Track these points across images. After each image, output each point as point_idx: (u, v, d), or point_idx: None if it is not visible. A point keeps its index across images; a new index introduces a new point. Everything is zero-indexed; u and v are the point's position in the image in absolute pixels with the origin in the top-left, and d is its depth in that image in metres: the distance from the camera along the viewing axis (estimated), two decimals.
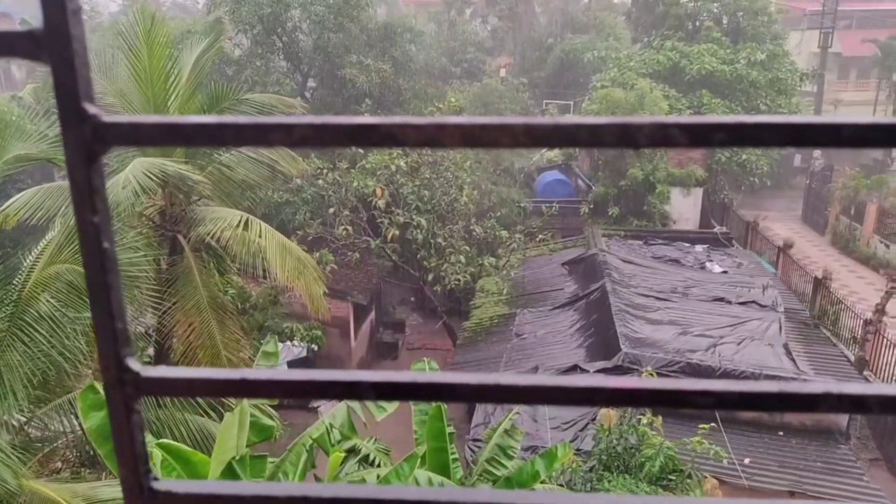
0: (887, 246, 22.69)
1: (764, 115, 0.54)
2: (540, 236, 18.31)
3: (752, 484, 9.58)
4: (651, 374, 10.60)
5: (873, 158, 32.52)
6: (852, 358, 14.22)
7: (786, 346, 12.80)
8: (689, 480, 8.65)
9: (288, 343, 14.55)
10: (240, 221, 9.85)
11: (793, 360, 11.97)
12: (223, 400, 8.18)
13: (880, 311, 15.59)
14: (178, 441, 7.46)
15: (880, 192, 24.77)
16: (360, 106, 18.53)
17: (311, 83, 22.94)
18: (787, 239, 20.99)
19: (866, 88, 38.96)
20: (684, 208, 21.58)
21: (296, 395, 0.62)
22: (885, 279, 18.58)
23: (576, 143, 0.56)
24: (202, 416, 8.69)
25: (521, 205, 20.48)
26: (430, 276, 16.27)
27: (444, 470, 7.42)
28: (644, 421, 9.51)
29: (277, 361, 8.47)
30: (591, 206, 20.90)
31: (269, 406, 7.93)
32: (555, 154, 24.71)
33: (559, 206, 19.58)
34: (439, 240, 16.09)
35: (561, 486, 8.94)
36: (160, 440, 6.62)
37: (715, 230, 20.03)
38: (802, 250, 23.23)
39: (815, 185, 27.93)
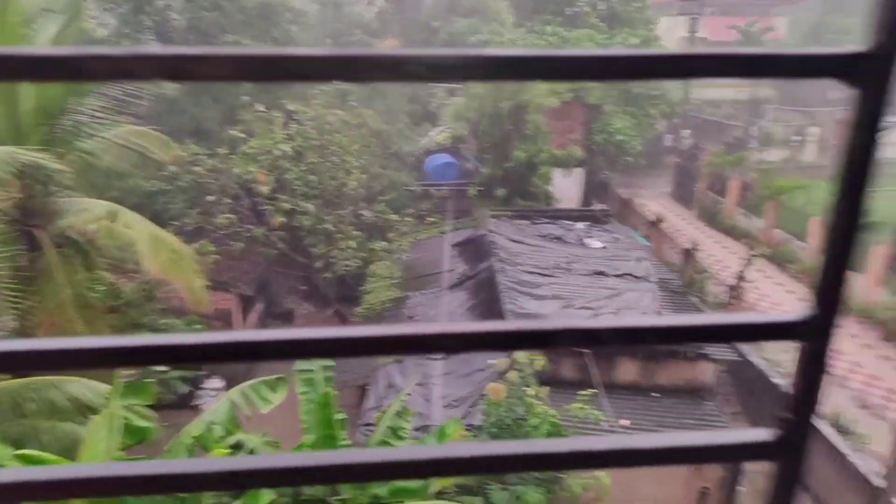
0: (748, 218, 24.72)
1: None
2: (430, 219, 18.47)
3: None
4: None
5: (735, 137, 35.18)
6: None
7: (658, 314, 13.70)
8: None
9: None
10: (107, 213, 9.25)
11: None
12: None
13: (741, 277, 17.03)
14: (45, 450, 6.97)
15: (741, 168, 26.92)
16: (238, 89, 17.83)
17: None
18: (658, 214, 22.37)
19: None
20: (566, 188, 22.47)
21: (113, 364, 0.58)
22: (746, 248, 20.26)
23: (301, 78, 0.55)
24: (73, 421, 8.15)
25: (411, 188, 20.55)
26: (320, 264, 16.03)
27: None
28: (530, 392, 9.90)
29: None
30: (480, 188, 21.31)
31: (146, 406, 7.56)
32: (443, 138, 24.92)
33: (449, 188, 19.81)
34: (328, 226, 15.87)
35: None
36: (21, 451, 6.16)
37: (594, 208, 21.00)
38: (673, 224, 24.86)
39: (684, 163, 29.91)
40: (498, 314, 13.54)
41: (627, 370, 12.34)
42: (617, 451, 0.61)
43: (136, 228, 9.49)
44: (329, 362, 8.27)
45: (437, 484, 8.12)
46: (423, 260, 18.77)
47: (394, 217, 16.96)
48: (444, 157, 24.11)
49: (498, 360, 11.10)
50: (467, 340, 0.62)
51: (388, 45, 32.08)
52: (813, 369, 0.60)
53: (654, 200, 28.62)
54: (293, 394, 8.03)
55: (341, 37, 30.12)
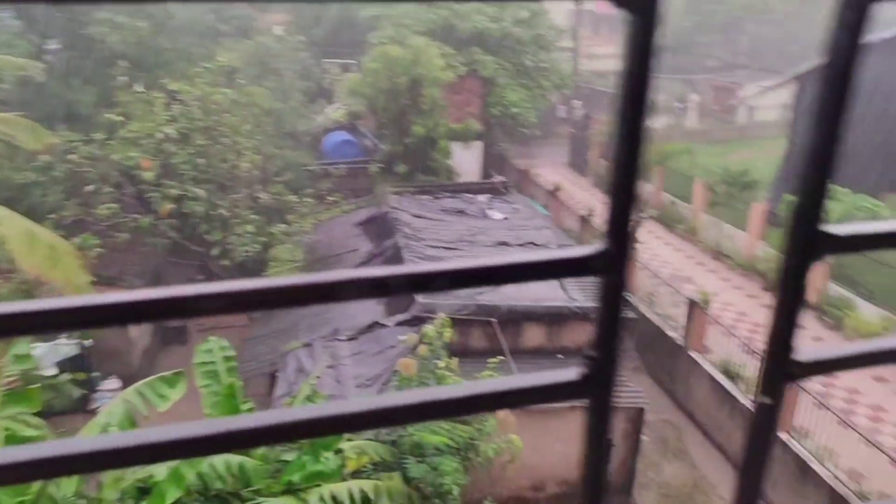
0: None
1: None
2: (331, 198, 18.10)
3: (539, 406, 10.53)
4: (445, 321, 11.07)
5: None
6: None
7: (560, 280, 14.13)
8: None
9: (54, 343, 12.92)
10: None
11: (564, 289, 13.25)
12: None
13: (633, 238, 17.82)
14: None
15: None
16: (113, 69, 16.60)
17: (52, 45, 20.05)
18: (556, 183, 23.03)
19: (615, 43, 43.55)
20: (466, 161, 22.64)
21: None
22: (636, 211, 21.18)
23: None
24: None
25: (309, 168, 20.03)
26: (217, 251, 15.37)
27: None
28: (441, 364, 9.96)
29: (34, 364, 7.47)
30: (380, 165, 21.09)
31: (33, 414, 6.99)
32: (340, 115, 24.42)
33: (348, 166, 19.45)
34: (222, 211, 15.20)
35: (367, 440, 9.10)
36: None
37: (494, 180, 21.30)
38: (570, 192, 25.68)
39: (577, 133, 30.86)
40: None
41: (533, 335, 12.68)
42: (445, 400, 0.60)
43: (7, 224, 8.69)
44: (230, 353, 7.97)
45: (352, 464, 8.05)
46: (327, 241, 18.41)
47: (293, 198, 16.47)
48: (342, 135, 23.66)
49: (408, 336, 11.09)
50: (361, 286, 0.60)
51: (276, 20, 30.93)
52: (612, 304, 0.61)
53: (551, 170, 29.40)
54: (194, 388, 7.68)
55: (224, 11, 28.63)
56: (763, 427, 0.65)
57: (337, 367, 12.07)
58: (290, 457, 7.57)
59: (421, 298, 12.68)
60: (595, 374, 0.61)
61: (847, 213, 17.18)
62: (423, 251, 15.53)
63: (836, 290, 16.15)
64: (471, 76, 23.32)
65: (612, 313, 0.61)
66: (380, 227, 17.58)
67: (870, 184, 19.70)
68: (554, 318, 12.62)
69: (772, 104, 33.51)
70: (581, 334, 12.76)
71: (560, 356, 12.48)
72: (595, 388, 0.61)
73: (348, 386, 11.42)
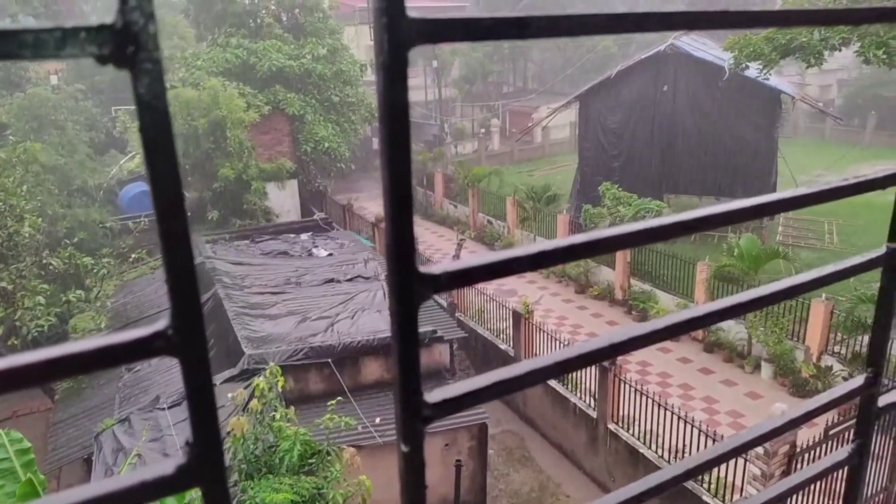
0: (455, 206, 26.90)
1: None
2: (134, 255, 16.61)
3: (385, 440, 10.35)
4: (277, 370, 10.54)
5: (432, 134, 38.07)
6: (445, 304, 16.47)
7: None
8: (328, 457, 8.90)
9: None
10: None
11: None
12: None
13: (457, 259, 18.41)
14: None
15: (442, 163, 29.19)
16: None
17: None
18: (378, 215, 23.17)
19: (417, 75, 45.24)
20: (283, 201, 22.04)
21: None
22: (457, 233, 21.99)
23: None
24: None
25: (106, 224, 18.25)
26: (1, 330, 13.39)
27: None
28: (278, 416, 9.43)
29: None
30: (188, 213, 19.76)
31: None
32: (136, 164, 22.61)
33: (151, 219, 17.94)
34: (3, 284, 13.30)
35: None
36: None
37: (315, 217, 20.94)
38: None
39: None
40: (231, 343, 12.71)
41: (373, 369, 12.51)
42: None
43: None
44: (24, 445, 6.89)
45: None
46: (135, 302, 16.85)
47: (88, 260, 14.86)
48: (141, 186, 21.91)
49: (238, 392, 10.38)
50: None
51: (49, 69, 28.11)
52: (200, 386, 0.55)
53: (373, 202, 29.61)
54: None
55: None
56: (410, 474, 0.61)
57: (162, 439, 10.98)
58: None
59: (249, 350, 11.99)
60: (198, 464, 0.53)
61: (636, 215, 19.17)
62: (247, 299, 14.76)
63: (639, 285, 17.88)
64: (277, 115, 22.84)
65: (205, 397, 0.53)
66: None
67: (654, 187, 22.21)
68: (390, 348, 12.54)
69: (562, 123, 36.66)
70: (421, 362, 12.79)
71: None
72: (201, 479, 0.53)
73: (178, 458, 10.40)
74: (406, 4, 0.49)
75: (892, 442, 9.33)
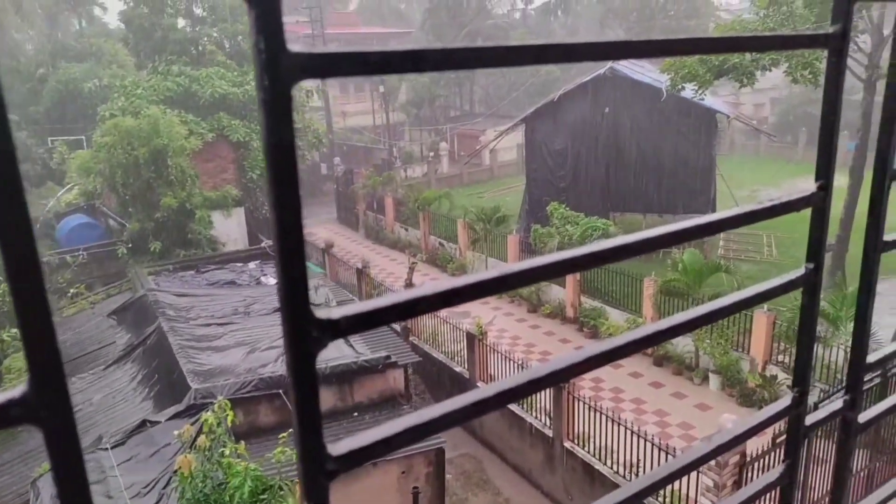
0: (406, 230, 26.87)
1: None
2: (73, 290, 15.96)
3: None
4: (226, 404, 10.23)
5: (381, 158, 38.09)
6: (399, 329, 16.34)
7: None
8: (281, 493, 8.63)
9: None
10: None
11: (351, 345, 13.07)
12: None
13: (409, 283, 18.34)
14: None
15: (392, 186, 29.18)
16: None
17: None
18: (327, 240, 22.95)
19: (364, 100, 45.34)
20: (229, 229, 21.59)
21: None
22: (408, 257, 21.93)
23: None
24: None
25: (42, 259, 17.51)
26: None
27: None
28: (227, 452, 9.12)
29: None
30: (129, 245, 19.18)
31: None
32: (73, 196, 21.87)
33: (90, 252, 17.39)
34: None
35: None
36: None
37: (263, 245, 20.57)
38: (343, 247, 25.79)
39: (342, 188, 31.28)
40: (176, 378, 12.29)
41: (326, 398, 12.25)
42: None
43: None
44: None
45: None
46: (75, 339, 16.19)
47: None
48: (80, 218, 21.18)
49: (184, 429, 10.01)
50: None
51: None
52: (65, 460, 0.49)
53: (321, 227, 29.32)
54: None
55: None
56: None
57: (105, 480, 10.49)
58: None
59: (196, 384, 11.61)
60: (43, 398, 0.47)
61: (583, 234, 19.50)
62: (193, 331, 14.34)
63: (589, 302, 18.13)
64: (221, 142, 22.47)
65: (74, 471, 0.48)
66: (138, 314, 15.91)
67: (600, 206, 22.68)
68: (343, 376, 12.34)
69: (510, 145, 37.23)
70: (374, 388, 12.64)
71: (356, 414, 12.21)
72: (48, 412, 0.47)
73: (121, 500, 9.95)
74: (286, 37, 0.47)
75: (834, 446, 9.62)
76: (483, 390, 0.67)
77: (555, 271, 0.66)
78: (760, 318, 13.81)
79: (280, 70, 0.47)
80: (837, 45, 0.87)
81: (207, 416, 9.31)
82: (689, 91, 18.17)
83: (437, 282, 0.59)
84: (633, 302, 17.16)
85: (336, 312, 0.54)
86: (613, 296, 17.84)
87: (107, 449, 11.18)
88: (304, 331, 0.53)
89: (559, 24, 52.55)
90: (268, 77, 0.47)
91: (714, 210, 22.29)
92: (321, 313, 0.53)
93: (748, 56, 16.13)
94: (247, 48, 24.74)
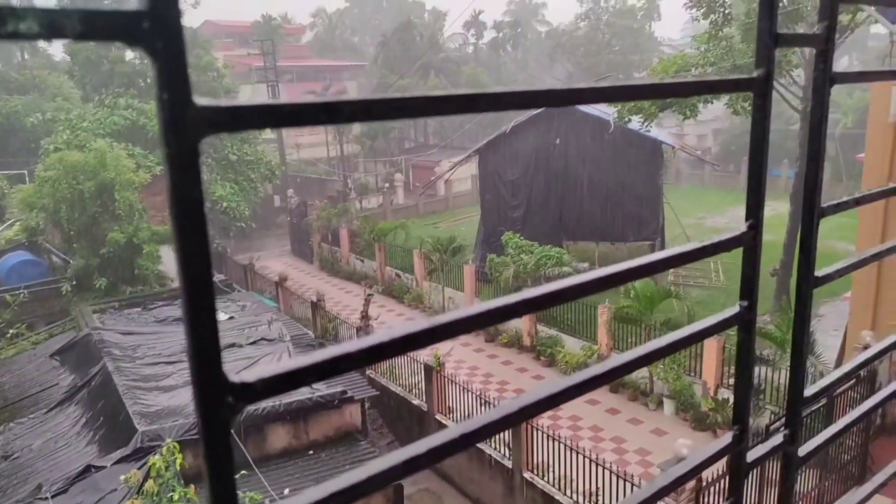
0: (362, 261, 26.68)
1: None
2: (12, 331, 15.27)
3: None
4: (175, 447, 9.85)
5: (336, 190, 37.90)
6: None
7: None
8: None
9: None
10: None
11: None
12: None
13: (365, 315, 18.14)
14: None
15: (346, 218, 29.02)
16: None
17: None
18: (281, 273, 22.59)
19: (318, 132, 45.22)
20: None
21: None
22: (364, 288, 21.72)
23: None
24: None
25: None
26: None
27: None
28: (176, 497, 8.76)
29: None
30: (74, 283, 18.49)
31: None
32: (14, 232, 21.05)
33: (32, 290, 16.71)
34: None
35: None
36: None
37: (214, 280, 20.11)
38: (298, 280, 25.41)
39: (296, 220, 30.94)
40: (123, 420, 11.79)
41: (279, 437, 11.93)
42: None
43: None
44: None
45: None
46: (14, 381, 15.44)
47: None
48: (21, 255, 20.37)
49: (131, 474, 9.59)
50: None
51: None
52: None
53: (275, 260, 28.86)
54: None
55: None
56: None
57: None
58: None
59: (143, 426, 11.16)
60: None
61: (538, 262, 19.70)
62: (139, 371, 13.84)
63: (546, 330, 18.23)
64: None
65: None
66: (81, 354, 15.29)
67: (554, 235, 22.99)
68: (298, 413, 12.04)
69: (464, 176, 37.56)
70: (329, 424, 12.37)
71: (311, 452, 11.90)
72: None
73: None
74: (192, 90, 0.44)
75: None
76: (446, 432, 0.64)
77: (484, 320, 0.64)
78: (710, 343, 14.10)
79: (186, 124, 0.45)
80: (762, 89, 0.90)
81: (155, 459, 8.95)
82: (635, 123, 18.72)
83: (360, 339, 0.57)
84: (588, 329, 17.33)
85: (251, 375, 0.51)
86: (569, 324, 17.99)
87: (47, 498, 10.60)
88: (218, 397, 0.50)
89: (510, 58, 53.76)
90: (173, 131, 0.45)
91: (663, 237, 22.88)
92: (235, 377, 0.50)
93: None
94: (196, 80, 24.51)
